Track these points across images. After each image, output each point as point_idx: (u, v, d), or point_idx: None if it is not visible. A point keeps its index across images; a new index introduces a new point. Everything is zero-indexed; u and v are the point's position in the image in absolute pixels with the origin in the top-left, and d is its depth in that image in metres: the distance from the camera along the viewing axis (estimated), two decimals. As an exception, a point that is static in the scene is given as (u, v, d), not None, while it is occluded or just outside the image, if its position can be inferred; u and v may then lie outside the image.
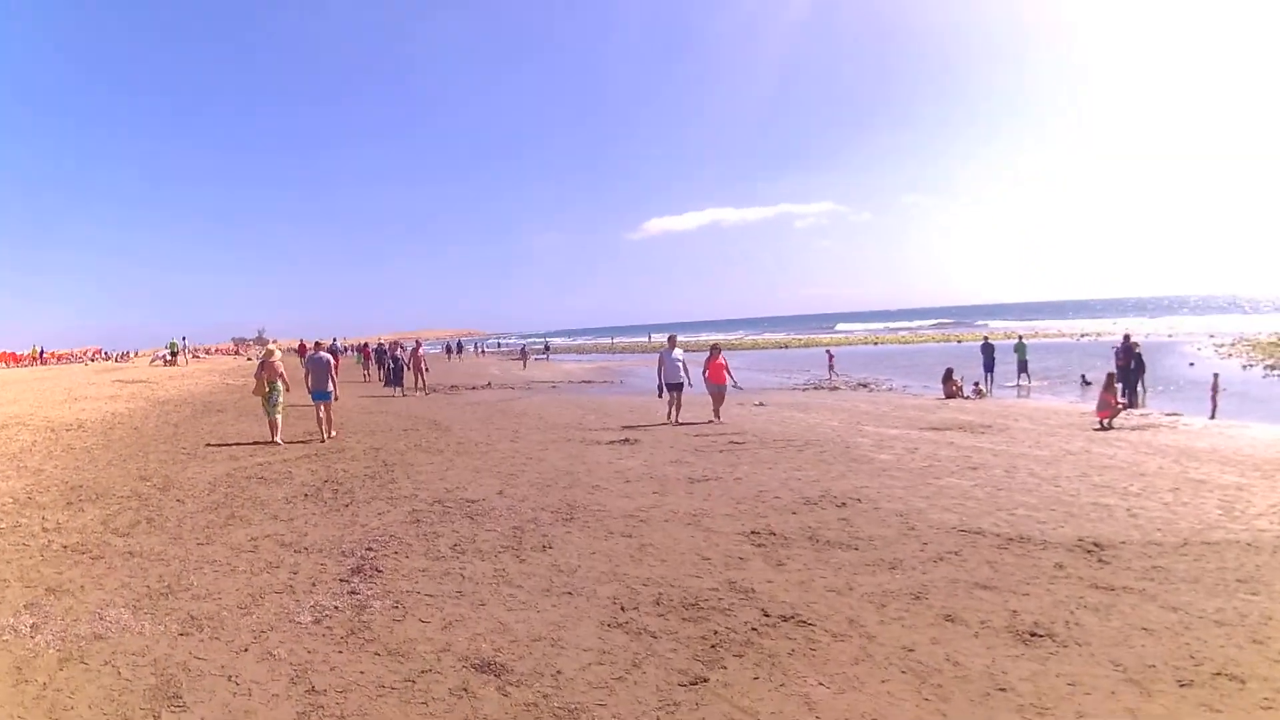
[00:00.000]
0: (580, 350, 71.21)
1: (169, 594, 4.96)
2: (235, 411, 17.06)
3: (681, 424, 12.96)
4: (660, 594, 4.50)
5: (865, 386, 23.79)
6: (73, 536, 6.62)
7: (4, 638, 4.34)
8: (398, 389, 22.34)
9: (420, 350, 24.51)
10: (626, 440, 11.14)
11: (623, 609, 4.29)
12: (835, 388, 23.59)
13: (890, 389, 22.79)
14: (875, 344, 59.55)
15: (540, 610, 4.33)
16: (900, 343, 60.28)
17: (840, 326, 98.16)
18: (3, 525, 7.12)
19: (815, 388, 23.80)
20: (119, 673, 3.82)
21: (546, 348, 61.45)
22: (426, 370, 23.96)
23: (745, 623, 4.03)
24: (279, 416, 12.12)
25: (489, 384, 26.46)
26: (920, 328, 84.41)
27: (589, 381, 28.81)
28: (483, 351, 69.09)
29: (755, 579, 4.77)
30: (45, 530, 6.83)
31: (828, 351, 32.29)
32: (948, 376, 19.16)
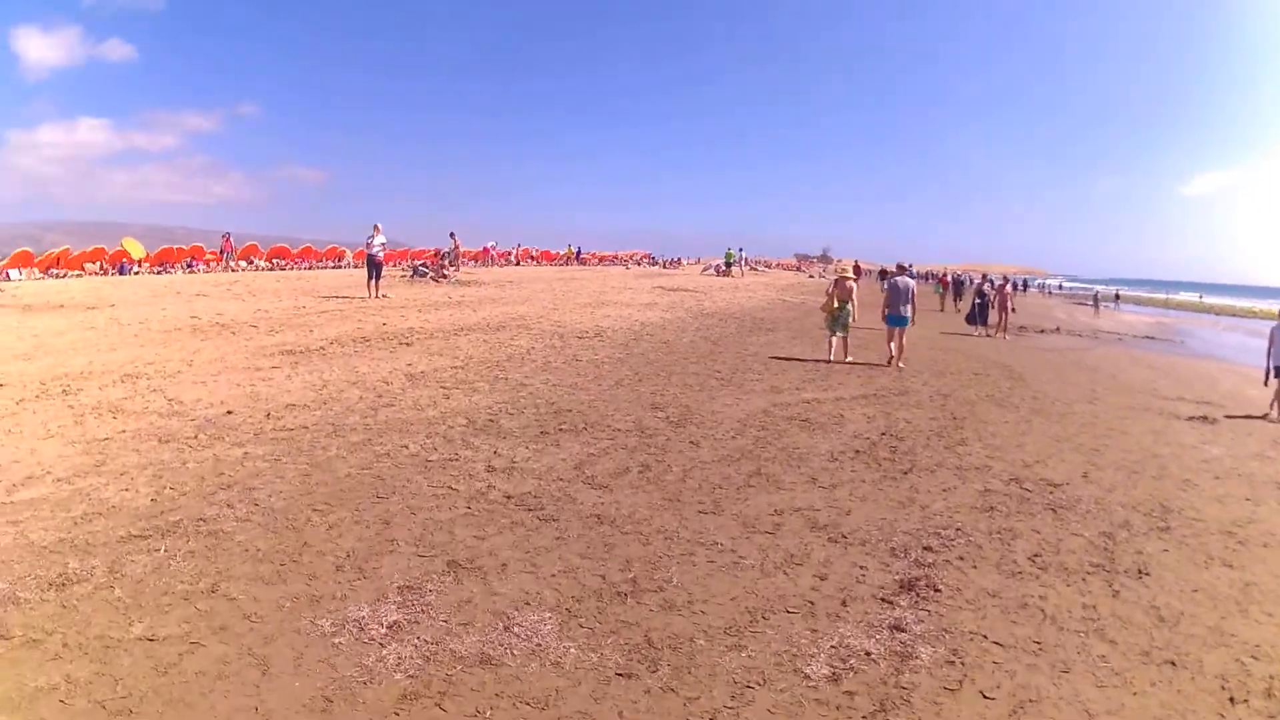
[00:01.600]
0: (1138, 302, 66.38)
1: (630, 594, 3.82)
2: (788, 331, 17.45)
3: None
4: (1271, 678, 3.50)
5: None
6: (525, 483, 5.48)
7: (339, 638, 3.29)
8: (979, 328, 21.41)
9: (1008, 288, 22.95)
10: (1205, 418, 10.18)
11: (1231, 700, 3.30)
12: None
13: None
14: None
15: (1136, 691, 3.30)
16: None
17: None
18: (434, 456, 6.00)
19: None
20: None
21: (1117, 297, 58.59)
22: (1013, 310, 22.61)
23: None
24: (844, 336, 12.64)
25: (1058, 329, 26.18)
26: None
27: (1151, 337, 27.40)
28: (1049, 293, 69.68)
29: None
30: (491, 470, 5.73)
31: None
32: None
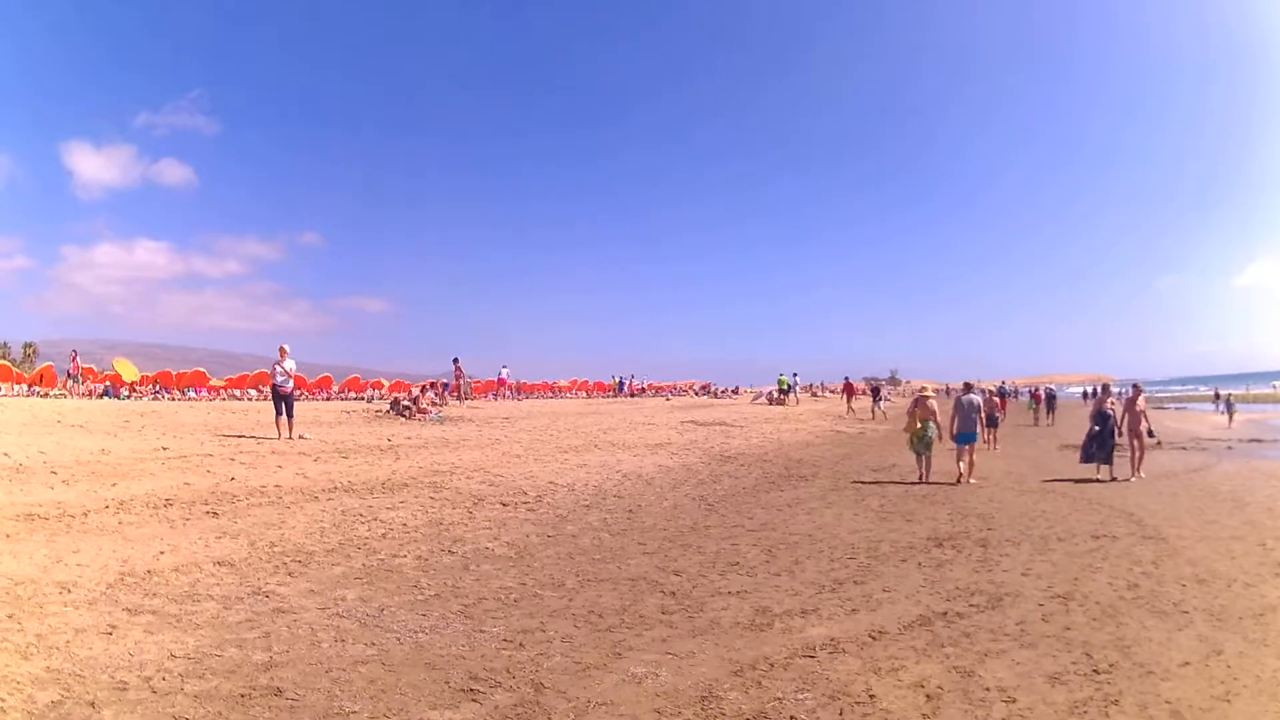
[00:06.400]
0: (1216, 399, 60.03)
1: None
2: (830, 479, 12.97)
3: None
4: None
5: None
6: None
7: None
8: (1105, 468, 13.41)
9: (1140, 400, 14.28)
10: None
11: None
12: None
13: None
14: None
15: None
16: None
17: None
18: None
19: None
20: None
21: (1216, 396, 50.58)
22: (1150, 435, 14.42)
23: None
24: (929, 456, 12.49)
25: (1159, 442, 19.64)
26: None
27: (1258, 440, 22.98)
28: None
29: None
30: None
31: None
32: None
